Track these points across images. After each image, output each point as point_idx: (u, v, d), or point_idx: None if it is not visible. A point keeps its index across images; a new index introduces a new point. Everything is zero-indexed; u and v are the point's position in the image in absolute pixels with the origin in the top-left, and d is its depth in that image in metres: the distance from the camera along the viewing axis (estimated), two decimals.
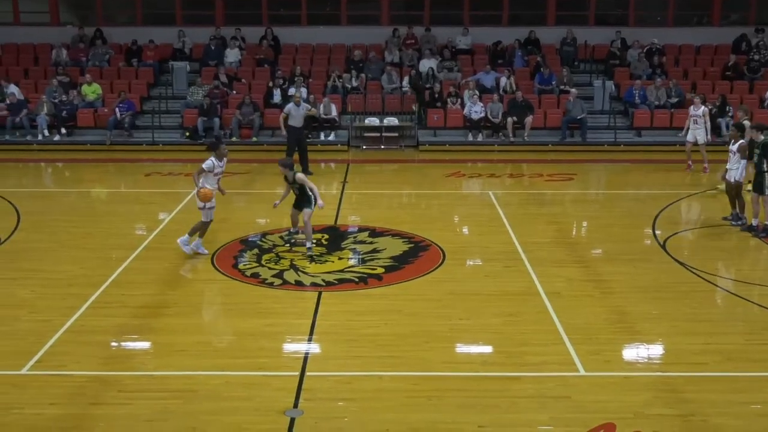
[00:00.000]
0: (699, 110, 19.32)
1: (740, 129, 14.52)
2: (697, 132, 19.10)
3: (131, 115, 22.92)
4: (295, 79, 23.61)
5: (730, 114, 22.39)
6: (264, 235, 13.75)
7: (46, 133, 22.75)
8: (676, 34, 26.19)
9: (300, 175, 12.59)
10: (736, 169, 14.21)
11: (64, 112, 23.00)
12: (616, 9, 27.10)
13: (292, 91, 22.95)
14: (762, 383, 8.42)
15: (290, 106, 18.82)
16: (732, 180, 14.26)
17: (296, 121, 18.71)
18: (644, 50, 25.28)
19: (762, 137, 13.60)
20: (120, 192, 18.28)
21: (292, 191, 12.75)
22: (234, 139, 22.53)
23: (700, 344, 9.31)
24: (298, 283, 11.37)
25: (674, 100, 23.33)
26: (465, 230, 15.14)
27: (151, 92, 24.81)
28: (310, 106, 19.93)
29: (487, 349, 9.38)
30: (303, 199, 12.57)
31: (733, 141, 14.49)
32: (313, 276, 11.63)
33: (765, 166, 13.43)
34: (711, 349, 9.17)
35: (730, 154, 14.45)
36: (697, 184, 18.01)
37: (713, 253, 13.05)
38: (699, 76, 24.96)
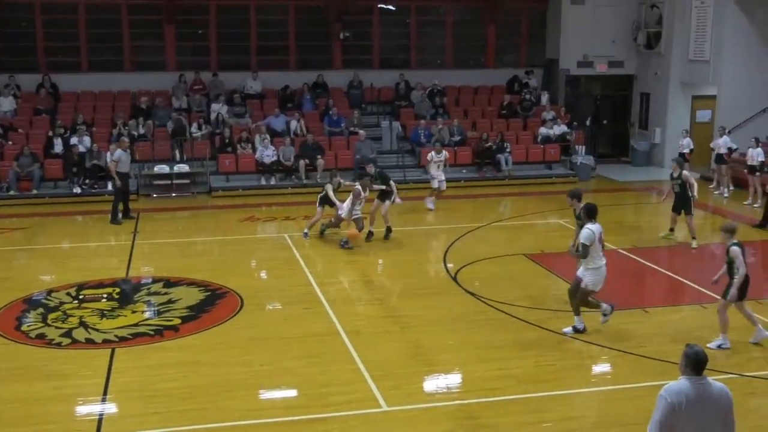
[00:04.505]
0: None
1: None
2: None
3: None
4: (78, 127, 22.62)
5: (508, 150, 23.73)
6: (50, 292, 12.99)
7: None
8: (456, 75, 27.54)
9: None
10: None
11: None
12: (398, 53, 28.09)
13: (74, 140, 21.98)
14: (551, 402, 8.90)
15: (119, 152, 18.55)
16: None
17: (126, 167, 18.69)
18: (426, 91, 26.36)
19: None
20: None
21: None
22: (12, 192, 21.19)
23: (494, 370, 9.73)
24: (89, 341, 10.81)
25: (457, 138, 24.42)
26: (262, 275, 15.05)
27: None
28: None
29: (290, 392, 9.33)
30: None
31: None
32: (104, 332, 11.09)
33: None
34: (504, 375, 9.61)
35: None
36: (482, 218, 18.88)
37: (501, 282, 13.67)
38: (478, 115, 26.33)
